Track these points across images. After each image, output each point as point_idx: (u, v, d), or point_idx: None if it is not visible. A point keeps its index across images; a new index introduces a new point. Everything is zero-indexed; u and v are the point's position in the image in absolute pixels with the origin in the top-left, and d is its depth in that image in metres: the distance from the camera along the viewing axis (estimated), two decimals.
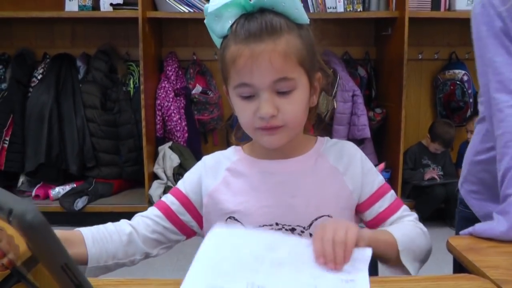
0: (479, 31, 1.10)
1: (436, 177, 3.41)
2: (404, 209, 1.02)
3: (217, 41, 0.94)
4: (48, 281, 0.61)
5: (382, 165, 3.44)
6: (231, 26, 0.89)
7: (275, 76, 0.87)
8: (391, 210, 1.00)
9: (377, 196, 1.00)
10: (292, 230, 0.95)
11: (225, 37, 0.91)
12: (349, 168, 0.99)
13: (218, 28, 0.90)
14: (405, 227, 0.97)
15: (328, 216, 0.95)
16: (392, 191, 1.03)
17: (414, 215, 1.01)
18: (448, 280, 0.85)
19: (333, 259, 0.79)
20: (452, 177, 3.44)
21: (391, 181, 3.47)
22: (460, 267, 0.98)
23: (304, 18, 0.91)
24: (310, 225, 0.95)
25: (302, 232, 0.95)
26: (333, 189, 0.97)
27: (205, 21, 0.91)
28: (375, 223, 1.00)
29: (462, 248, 0.97)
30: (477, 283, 0.83)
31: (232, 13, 0.88)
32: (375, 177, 1.02)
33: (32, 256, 0.62)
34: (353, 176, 0.99)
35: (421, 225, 1.00)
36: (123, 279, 0.85)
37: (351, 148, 1.03)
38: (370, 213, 1.00)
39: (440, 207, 3.39)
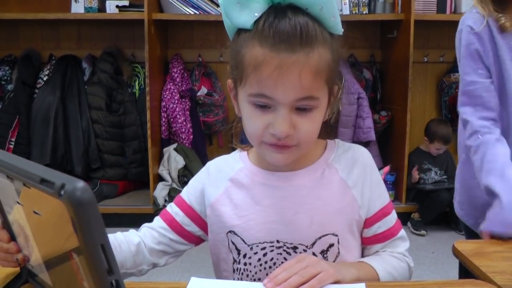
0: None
1: (415, 175, 3.36)
2: (401, 235, 0.96)
3: (231, 29, 0.84)
4: (66, 280, 0.62)
5: (387, 168, 3.43)
6: (257, 20, 0.78)
7: (300, 94, 0.78)
8: (389, 234, 0.95)
9: (380, 216, 0.93)
10: (294, 248, 0.90)
11: (244, 30, 0.80)
12: (360, 181, 0.92)
13: (240, 18, 0.79)
14: (393, 264, 0.93)
15: (333, 234, 0.90)
16: (394, 212, 0.96)
17: (406, 246, 0.97)
18: (454, 285, 0.85)
19: (279, 283, 0.76)
20: (453, 176, 3.42)
21: (396, 184, 3.47)
22: (466, 272, 0.98)
23: (339, 29, 0.82)
24: (314, 243, 0.89)
25: (305, 251, 0.89)
26: (340, 205, 0.90)
27: (220, 1, 0.80)
28: (368, 242, 0.95)
29: (469, 253, 0.97)
30: None
31: (260, 4, 0.78)
32: (382, 193, 0.95)
33: (54, 258, 0.62)
34: (363, 190, 0.92)
35: (409, 258, 0.96)
36: (130, 282, 0.85)
37: (365, 157, 0.95)
38: (368, 232, 0.94)
39: (445, 211, 3.37)
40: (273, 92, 0.78)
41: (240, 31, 0.82)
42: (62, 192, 0.48)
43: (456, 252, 1.00)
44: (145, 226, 1.00)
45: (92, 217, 0.49)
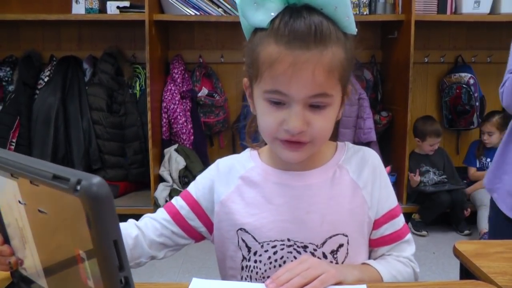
0: None
1: (416, 179, 3.36)
2: (408, 238, 0.97)
3: (248, 29, 0.87)
4: (67, 282, 0.61)
5: (387, 169, 3.43)
6: (273, 20, 0.80)
7: (314, 91, 0.80)
8: (396, 236, 0.95)
9: (388, 217, 0.94)
10: (304, 247, 0.90)
11: (261, 29, 0.82)
12: (369, 182, 0.94)
13: (256, 18, 0.81)
14: (397, 268, 0.93)
15: (343, 234, 0.90)
16: (402, 216, 0.97)
17: (412, 250, 0.97)
18: (455, 286, 0.85)
19: (282, 284, 0.78)
20: (451, 174, 3.44)
21: (396, 185, 3.47)
22: (467, 272, 0.98)
23: (353, 29, 0.83)
24: (324, 243, 0.90)
25: (315, 250, 0.90)
26: (351, 206, 0.91)
27: (237, 1, 0.82)
28: (375, 244, 0.96)
29: (469, 253, 0.97)
30: None
31: (276, 4, 0.80)
32: (390, 195, 0.97)
33: (56, 256, 0.62)
34: (372, 192, 0.93)
35: (414, 263, 0.96)
36: None
37: (374, 159, 0.97)
38: (375, 234, 0.95)
39: (445, 212, 3.37)
40: (287, 89, 0.80)
41: (256, 30, 0.84)
42: (79, 188, 0.48)
43: (457, 253, 1.01)
44: (147, 217, 1.00)
45: (108, 212, 0.49)
